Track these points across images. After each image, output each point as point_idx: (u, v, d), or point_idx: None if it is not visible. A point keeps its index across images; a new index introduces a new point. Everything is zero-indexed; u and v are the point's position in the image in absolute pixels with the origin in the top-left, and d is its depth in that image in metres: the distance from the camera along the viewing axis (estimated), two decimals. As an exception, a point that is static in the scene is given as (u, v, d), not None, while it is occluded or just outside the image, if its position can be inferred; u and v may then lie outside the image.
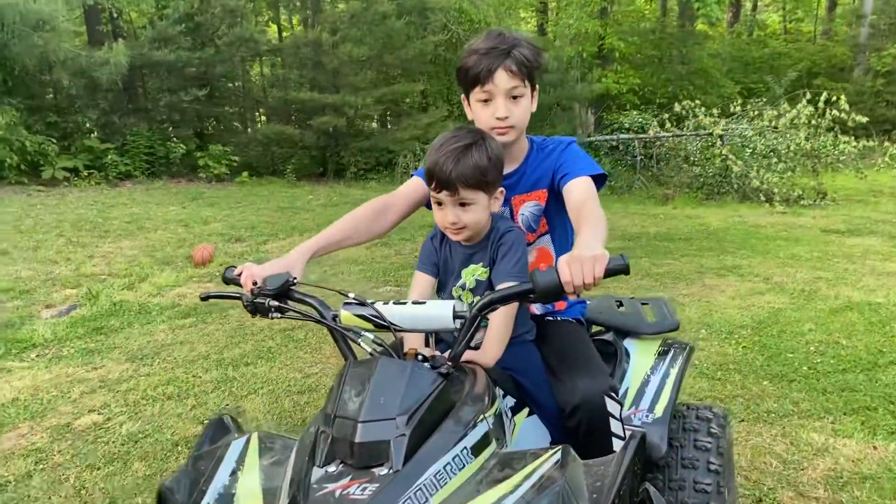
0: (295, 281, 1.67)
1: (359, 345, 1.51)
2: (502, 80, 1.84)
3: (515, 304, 1.75)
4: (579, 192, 1.84)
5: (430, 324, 1.51)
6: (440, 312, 1.48)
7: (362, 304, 1.52)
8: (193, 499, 1.41)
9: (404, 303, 1.52)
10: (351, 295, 1.55)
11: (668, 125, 15.23)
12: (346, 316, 1.54)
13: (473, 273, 1.85)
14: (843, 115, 12.69)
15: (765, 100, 15.58)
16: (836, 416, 3.58)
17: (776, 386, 4.01)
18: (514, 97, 1.88)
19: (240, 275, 1.73)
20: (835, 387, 3.94)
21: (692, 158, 14.73)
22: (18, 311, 6.17)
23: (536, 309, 2.09)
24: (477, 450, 1.35)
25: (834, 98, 12.89)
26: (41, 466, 3.30)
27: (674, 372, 2.25)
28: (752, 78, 22.12)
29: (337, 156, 17.05)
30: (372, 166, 16.90)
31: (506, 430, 1.58)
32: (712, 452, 2.09)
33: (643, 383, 2.21)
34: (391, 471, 1.21)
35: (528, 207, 2.03)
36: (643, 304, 2.61)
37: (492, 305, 1.47)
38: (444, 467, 1.26)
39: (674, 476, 2.05)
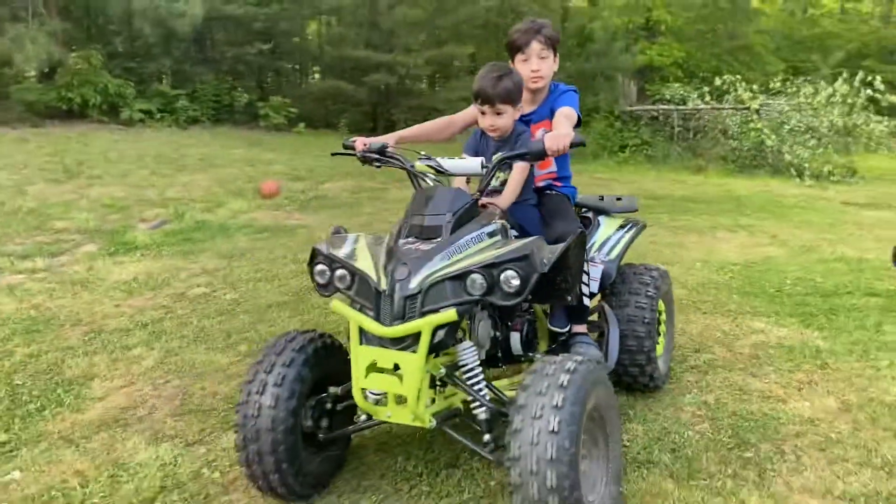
0: (388, 146, 2.69)
1: (426, 181, 2.55)
2: (535, 47, 2.88)
3: (528, 171, 2.74)
4: (560, 110, 2.86)
5: (467, 170, 2.56)
6: (474, 164, 2.51)
7: (429, 158, 2.55)
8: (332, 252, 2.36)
9: (453, 158, 2.55)
10: (423, 153, 2.57)
11: (707, 98, 15.79)
12: (420, 165, 2.58)
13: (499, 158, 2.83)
14: (877, 94, 13.18)
15: (809, 78, 15.97)
16: (781, 316, 4.46)
17: (743, 298, 4.90)
18: (542, 58, 2.89)
19: (354, 142, 2.75)
20: (792, 301, 4.80)
21: (729, 132, 15.28)
22: (119, 222, 7.33)
23: (541, 183, 3.07)
24: (491, 235, 2.35)
25: (869, 78, 13.35)
26: (169, 316, 4.39)
27: (628, 236, 3.26)
28: (801, 57, 22.30)
29: (387, 112, 18.01)
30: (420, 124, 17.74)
31: (510, 237, 2.55)
32: (650, 286, 3.13)
33: (605, 240, 3.20)
34: (441, 241, 2.22)
35: (540, 133, 2.95)
36: (618, 199, 3.54)
37: (504, 161, 2.48)
38: (468, 241, 2.25)
39: (622, 299, 3.12)
